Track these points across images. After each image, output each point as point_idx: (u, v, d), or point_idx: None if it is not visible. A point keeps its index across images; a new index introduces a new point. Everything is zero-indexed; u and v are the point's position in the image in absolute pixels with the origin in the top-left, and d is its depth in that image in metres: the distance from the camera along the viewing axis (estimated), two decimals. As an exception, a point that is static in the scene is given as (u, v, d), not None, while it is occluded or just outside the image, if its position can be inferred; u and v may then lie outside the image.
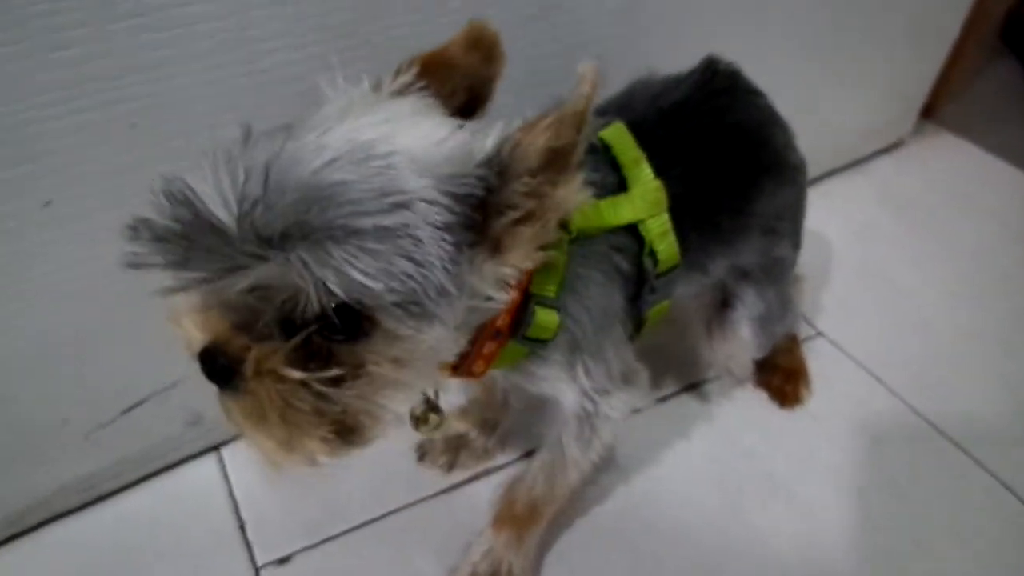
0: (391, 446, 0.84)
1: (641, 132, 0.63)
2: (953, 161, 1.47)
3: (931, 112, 1.54)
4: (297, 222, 0.40)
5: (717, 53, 0.72)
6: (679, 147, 0.66)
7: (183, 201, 0.41)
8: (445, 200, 0.43)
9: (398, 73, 0.53)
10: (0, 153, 0.56)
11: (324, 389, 0.45)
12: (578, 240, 0.58)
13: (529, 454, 0.86)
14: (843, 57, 1.22)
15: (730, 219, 0.70)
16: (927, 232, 1.28)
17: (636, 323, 0.68)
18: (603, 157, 0.61)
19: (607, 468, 0.86)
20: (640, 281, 0.64)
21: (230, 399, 0.46)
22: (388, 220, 0.41)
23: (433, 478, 0.85)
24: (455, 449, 0.86)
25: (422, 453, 0.86)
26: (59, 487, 0.76)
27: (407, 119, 0.47)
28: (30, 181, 0.59)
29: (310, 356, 0.44)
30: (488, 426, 0.86)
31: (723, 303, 0.82)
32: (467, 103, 0.54)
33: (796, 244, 0.83)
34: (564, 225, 0.54)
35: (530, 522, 0.74)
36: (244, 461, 0.86)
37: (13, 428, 0.70)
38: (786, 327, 0.88)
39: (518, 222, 0.47)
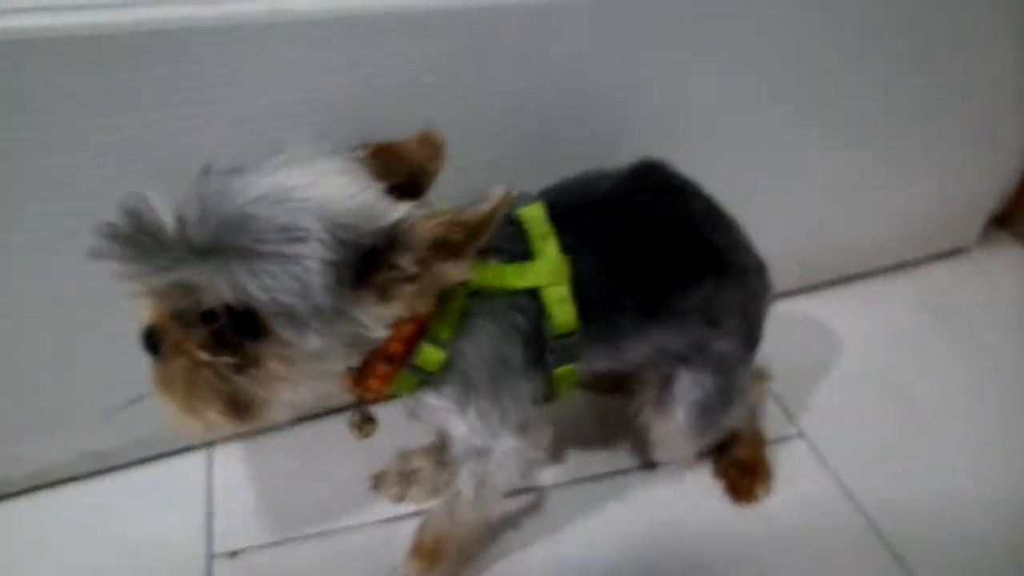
0: (357, 468, 0.96)
1: (560, 214, 0.72)
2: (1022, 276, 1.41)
3: (1006, 221, 1.48)
4: (215, 241, 0.53)
5: (656, 158, 0.79)
6: (595, 232, 0.73)
7: (139, 212, 0.54)
8: (336, 244, 0.56)
9: (353, 149, 0.64)
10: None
11: (226, 373, 0.58)
12: (481, 295, 0.68)
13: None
14: (900, 151, 1.21)
15: (643, 305, 0.76)
16: (966, 348, 1.24)
17: (547, 384, 0.76)
18: (518, 230, 0.71)
19: (535, 512, 0.93)
20: (542, 344, 0.72)
21: (154, 367, 0.60)
22: (285, 249, 0.54)
23: (384, 506, 0.94)
24: (407, 482, 0.94)
25: (376, 482, 0.96)
26: (75, 456, 0.92)
27: (331, 175, 0.60)
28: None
29: (222, 346, 0.58)
30: (442, 464, 0.95)
31: (665, 384, 0.86)
32: (407, 187, 0.65)
33: (748, 343, 0.87)
34: (463, 282, 0.65)
35: (436, 557, 0.82)
36: (231, 460, 0.99)
37: (35, 404, 0.86)
38: (730, 421, 0.91)
39: (402, 280, 0.59)
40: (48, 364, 0.84)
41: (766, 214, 1.11)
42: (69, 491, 0.94)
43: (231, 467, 0.98)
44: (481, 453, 0.76)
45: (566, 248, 0.71)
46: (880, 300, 1.32)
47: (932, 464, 1.03)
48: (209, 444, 1.00)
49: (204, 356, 0.57)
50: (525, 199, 0.73)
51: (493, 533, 0.92)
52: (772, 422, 1.07)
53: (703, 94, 0.97)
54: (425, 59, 0.79)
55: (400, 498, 0.94)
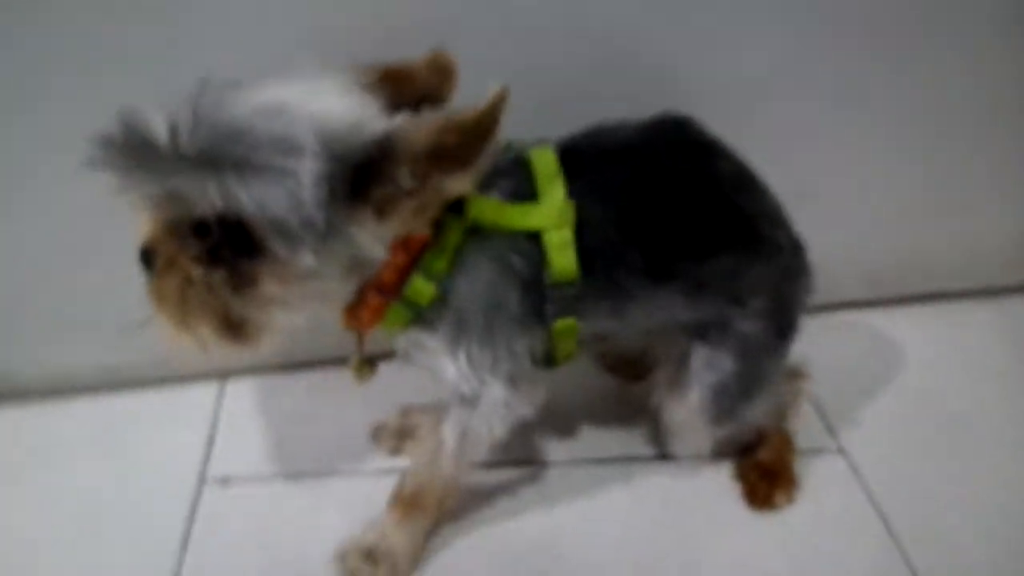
0: (363, 418, 0.94)
1: (573, 160, 0.69)
2: None
3: None
4: (207, 151, 0.53)
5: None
6: (606, 181, 0.70)
7: (133, 123, 0.54)
8: (330, 157, 0.54)
9: (361, 71, 0.63)
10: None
11: (220, 290, 0.58)
12: (480, 234, 0.66)
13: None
14: (991, 165, 1.09)
15: (652, 267, 0.71)
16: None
17: (547, 340, 0.73)
18: (526, 171, 0.68)
19: (535, 485, 0.89)
20: (542, 293, 0.69)
21: (148, 282, 0.60)
22: (278, 161, 0.53)
23: (379, 458, 0.92)
24: (404, 437, 0.92)
25: (375, 433, 0.94)
26: (93, 368, 0.94)
27: (330, 91, 0.59)
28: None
29: (216, 262, 0.57)
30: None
31: (682, 363, 0.81)
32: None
33: (779, 330, 0.80)
34: (459, 211, 0.64)
35: (414, 507, 0.79)
36: (242, 393, 1.00)
37: (62, 311, 0.89)
38: (753, 415, 0.84)
39: (400, 195, 0.57)
40: (77, 272, 0.87)
41: (829, 213, 1.05)
42: (83, 402, 0.97)
43: (241, 399, 0.99)
44: (468, 401, 0.73)
45: (574, 194, 0.67)
46: (957, 324, 1.19)
47: (980, 507, 0.91)
48: (223, 375, 1.01)
49: (197, 271, 0.57)
50: (538, 143, 0.70)
51: (488, 498, 0.88)
52: (809, 431, 0.98)
53: (760, 68, 0.90)
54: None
55: (395, 451, 0.92)
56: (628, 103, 0.73)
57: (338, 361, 0.98)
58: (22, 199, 0.82)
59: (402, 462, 0.91)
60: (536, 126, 0.71)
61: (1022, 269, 1.25)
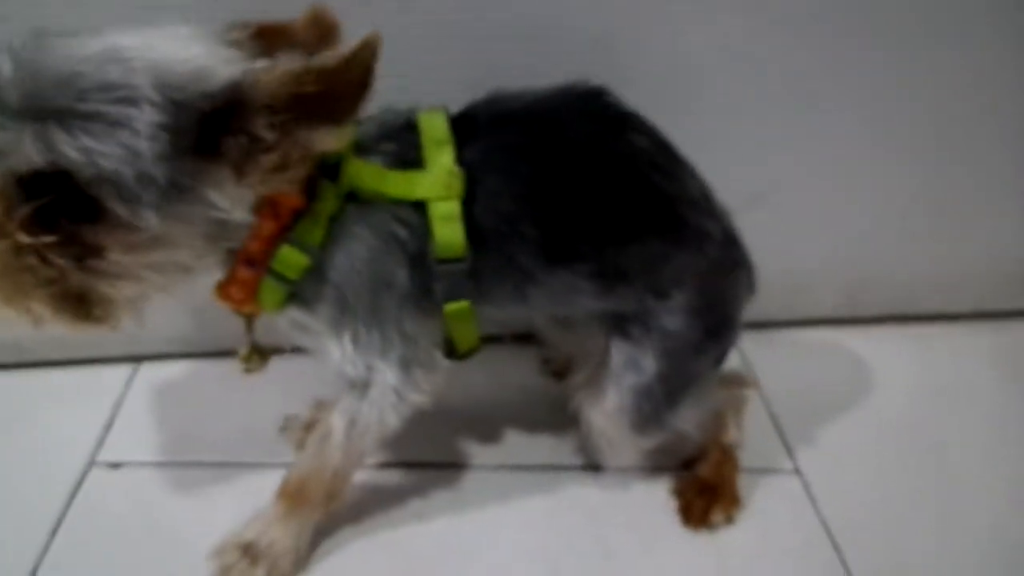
0: (278, 411, 0.88)
1: (467, 125, 0.63)
2: None
3: None
4: (28, 100, 0.47)
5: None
6: (504, 148, 0.63)
7: None
8: (170, 106, 0.48)
9: (230, 28, 0.57)
10: None
11: (55, 260, 0.51)
12: (360, 202, 0.60)
13: (389, 465, 0.84)
14: (989, 178, 1.01)
15: (555, 246, 0.64)
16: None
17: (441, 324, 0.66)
18: (412, 136, 0.62)
19: (448, 489, 0.83)
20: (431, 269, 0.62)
21: None
22: (110, 109, 0.47)
23: (285, 450, 0.85)
24: (311, 431, 0.85)
25: (284, 426, 0.88)
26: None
27: (175, 39, 0.53)
28: None
29: (54, 230, 0.50)
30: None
31: (602, 362, 0.73)
32: None
33: (710, 329, 0.72)
34: (335, 176, 0.58)
35: (298, 500, 0.72)
36: (154, 378, 0.94)
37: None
38: (681, 423, 0.75)
39: (258, 150, 0.51)
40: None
41: (799, 217, 0.97)
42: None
43: (152, 385, 0.93)
44: (357, 388, 0.67)
45: (465, 162, 0.61)
46: (943, 348, 1.10)
47: (943, 544, 0.81)
48: (138, 359, 0.95)
49: (25, 238, 0.50)
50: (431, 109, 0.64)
51: (397, 499, 0.81)
52: (764, 449, 0.90)
53: (711, 47, 0.84)
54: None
55: (301, 446, 0.84)
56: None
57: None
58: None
59: (307, 456, 0.85)
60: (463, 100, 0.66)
61: (1006, 295, 1.16)
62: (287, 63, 0.50)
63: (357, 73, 0.49)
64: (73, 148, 0.46)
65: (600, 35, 0.80)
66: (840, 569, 0.78)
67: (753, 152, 0.91)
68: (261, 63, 0.51)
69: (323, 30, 0.58)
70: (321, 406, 0.87)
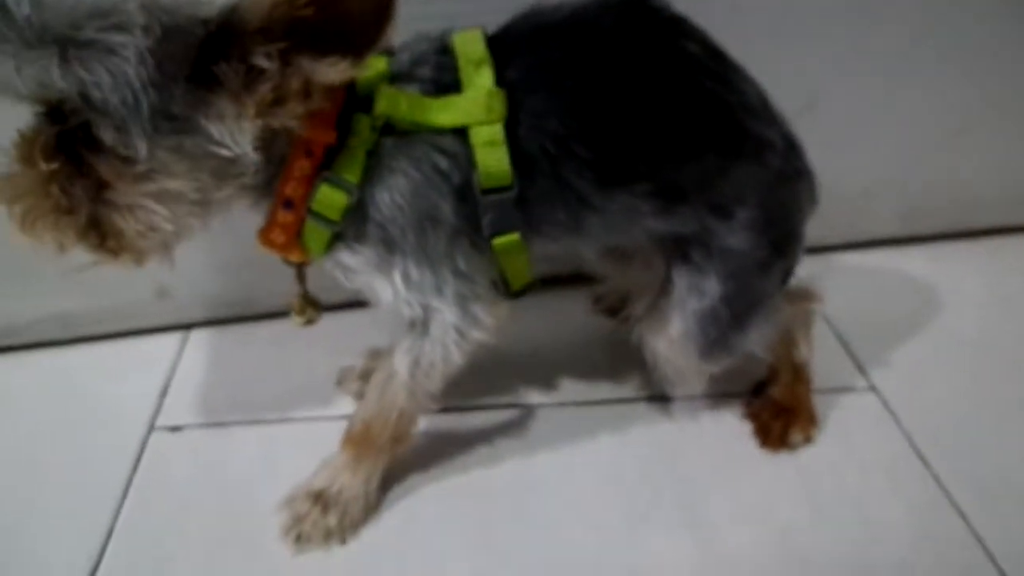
0: (331, 365, 0.86)
1: (507, 42, 0.59)
2: None
3: None
4: (35, 30, 0.45)
5: None
6: (548, 64, 0.60)
7: None
8: (162, 32, 0.46)
9: None
10: None
11: (73, 188, 0.51)
12: (397, 134, 0.57)
13: (447, 409, 0.81)
14: None
15: (611, 166, 0.60)
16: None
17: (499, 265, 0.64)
18: (447, 59, 0.58)
19: (513, 428, 0.81)
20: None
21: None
22: (102, 36, 0.45)
23: (343, 402, 0.84)
24: (368, 380, 0.83)
25: (341, 377, 0.86)
26: (39, 318, 0.89)
27: None
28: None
29: (71, 159, 0.50)
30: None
31: (663, 288, 0.70)
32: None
33: (775, 245, 0.68)
34: (363, 107, 0.56)
35: (365, 444, 0.70)
36: (205, 343, 0.93)
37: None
38: (750, 344, 0.72)
39: (258, 80, 0.48)
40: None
41: (849, 121, 0.93)
42: (36, 354, 0.91)
43: (203, 349, 0.92)
44: (416, 327, 0.64)
45: (506, 81, 0.57)
46: (1005, 260, 1.06)
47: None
48: (187, 326, 0.94)
49: (43, 165, 0.50)
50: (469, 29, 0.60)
51: (464, 443, 0.80)
52: (837, 370, 0.87)
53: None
54: None
55: (360, 395, 0.83)
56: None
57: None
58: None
59: (366, 406, 0.83)
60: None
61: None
62: None
63: (367, 3, 0.46)
64: (64, 78, 0.45)
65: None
66: (931, 480, 0.75)
67: (803, 62, 0.87)
68: None
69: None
70: (376, 355, 0.85)
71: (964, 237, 1.09)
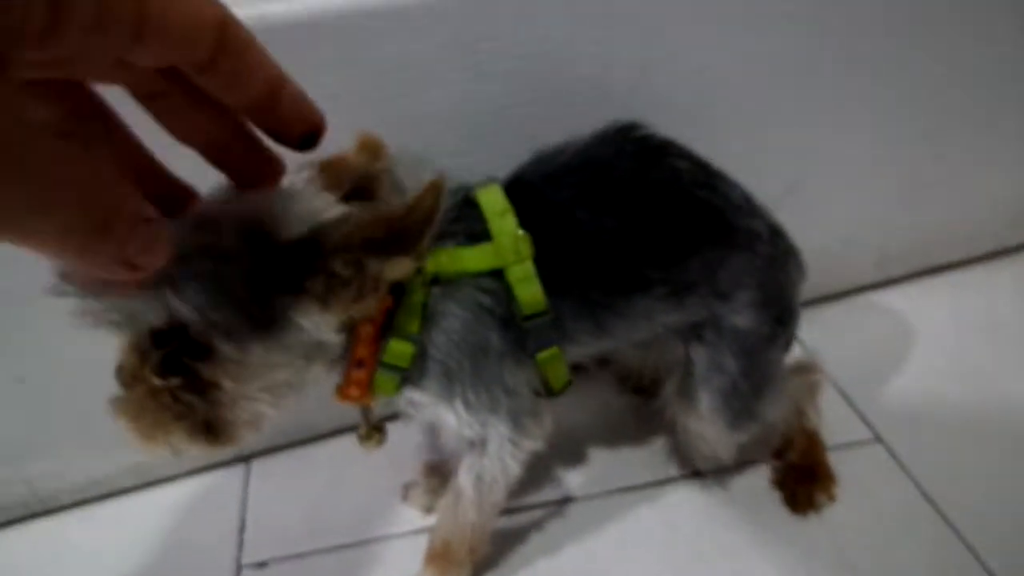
0: (393, 480, 0.94)
1: (522, 189, 0.70)
2: None
3: None
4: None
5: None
6: (559, 202, 0.70)
7: None
8: (258, 257, 0.53)
9: (300, 169, 0.62)
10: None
11: (184, 396, 0.56)
12: (443, 283, 0.66)
13: (511, 511, 0.89)
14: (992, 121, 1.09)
15: (625, 277, 0.71)
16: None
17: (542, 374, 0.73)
18: (475, 212, 0.68)
19: (565, 521, 0.89)
20: (520, 326, 0.69)
21: (116, 400, 0.58)
22: (210, 268, 0.51)
23: (412, 516, 0.92)
24: (435, 493, 0.91)
25: (406, 492, 0.93)
26: (117, 471, 0.95)
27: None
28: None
29: (175, 370, 0.56)
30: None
31: (687, 371, 0.80)
32: (355, 193, 0.63)
33: (777, 319, 0.78)
34: (419, 269, 0.63)
35: (446, 561, 0.78)
36: (267, 472, 0.99)
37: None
38: (770, 415, 0.82)
39: (339, 284, 0.56)
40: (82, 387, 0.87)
41: (826, 196, 1.04)
42: (108, 506, 0.96)
43: (267, 479, 0.98)
44: (476, 446, 0.73)
45: (528, 224, 0.67)
46: (975, 290, 1.18)
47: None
48: (247, 457, 1.01)
49: (156, 381, 0.55)
50: (484, 182, 0.70)
51: (523, 540, 0.88)
52: (841, 425, 0.97)
53: (733, 59, 0.90)
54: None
55: (428, 509, 0.91)
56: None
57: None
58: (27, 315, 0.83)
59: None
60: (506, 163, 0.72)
61: (1016, 232, 1.24)
62: (359, 215, 0.55)
63: (422, 214, 0.54)
64: (185, 308, 0.51)
65: (632, 80, 0.86)
66: (942, 524, 0.85)
67: (783, 152, 0.97)
68: (339, 211, 0.57)
69: (372, 152, 0.64)
70: (432, 469, 0.93)
71: (930, 273, 1.21)
